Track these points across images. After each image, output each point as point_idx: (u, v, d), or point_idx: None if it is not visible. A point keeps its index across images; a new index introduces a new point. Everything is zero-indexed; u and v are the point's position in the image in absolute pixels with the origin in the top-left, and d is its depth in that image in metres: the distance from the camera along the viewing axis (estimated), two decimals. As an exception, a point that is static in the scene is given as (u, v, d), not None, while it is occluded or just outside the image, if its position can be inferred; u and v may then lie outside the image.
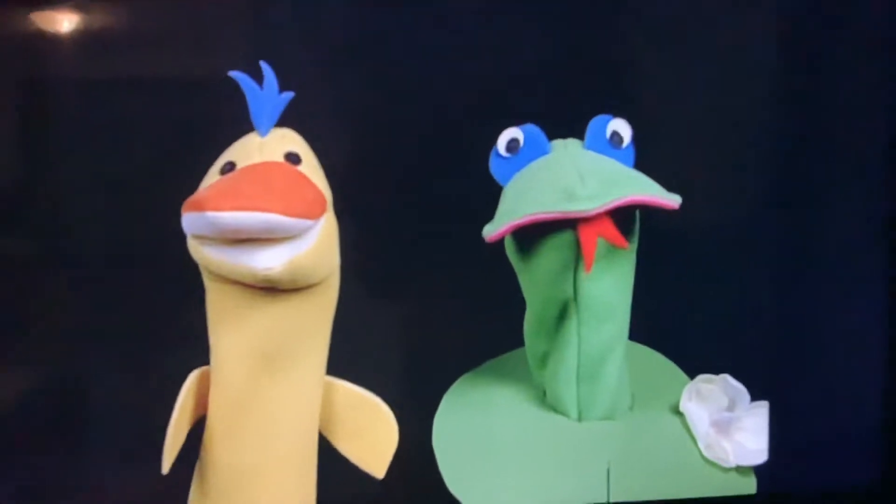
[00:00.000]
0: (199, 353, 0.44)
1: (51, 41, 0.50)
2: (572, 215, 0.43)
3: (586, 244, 0.43)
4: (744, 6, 0.56)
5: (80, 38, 0.50)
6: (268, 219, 0.38)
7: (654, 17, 0.55)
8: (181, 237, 0.42)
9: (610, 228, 0.43)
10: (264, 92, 0.43)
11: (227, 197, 0.38)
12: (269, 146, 0.43)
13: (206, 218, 0.38)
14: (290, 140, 0.44)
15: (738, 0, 0.56)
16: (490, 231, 0.46)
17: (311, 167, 0.43)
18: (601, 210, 0.43)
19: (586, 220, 0.43)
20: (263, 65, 0.42)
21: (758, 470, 0.49)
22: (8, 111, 0.51)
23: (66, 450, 0.50)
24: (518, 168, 0.48)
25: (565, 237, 0.45)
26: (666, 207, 0.44)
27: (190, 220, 0.40)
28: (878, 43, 0.57)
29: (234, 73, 0.42)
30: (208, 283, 0.43)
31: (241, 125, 0.43)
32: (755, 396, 0.49)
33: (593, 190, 0.43)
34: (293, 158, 0.43)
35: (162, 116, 0.49)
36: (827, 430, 0.55)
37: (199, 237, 0.41)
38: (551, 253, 0.46)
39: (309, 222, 0.40)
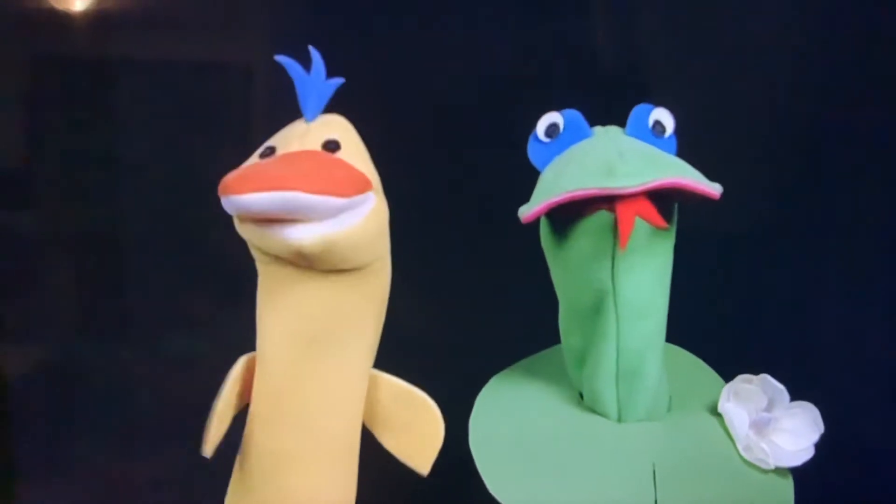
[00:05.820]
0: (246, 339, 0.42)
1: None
2: (611, 191, 0.41)
3: (623, 220, 0.41)
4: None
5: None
6: (287, 196, 0.37)
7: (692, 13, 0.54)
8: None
9: (649, 208, 0.41)
10: (311, 77, 0.42)
11: (247, 180, 0.37)
12: (311, 134, 0.42)
13: (230, 201, 0.38)
14: (333, 127, 0.43)
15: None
16: (526, 210, 0.44)
17: (351, 153, 0.42)
18: (641, 188, 0.41)
19: (625, 198, 0.41)
20: (312, 50, 0.42)
21: (798, 477, 0.48)
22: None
23: (107, 430, 0.48)
24: (557, 153, 0.47)
25: (603, 220, 0.43)
26: (708, 195, 0.42)
27: (223, 203, 0.39)
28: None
29: (280, 58, 0.41)
30: (259, 266, 0.43)
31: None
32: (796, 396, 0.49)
33: (634, 168, 0.41)
34: (331, 146, 0.42)
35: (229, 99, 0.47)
36: (872, 437, 0.54)
37: (238, 217, 0.41)
38: (588, 237, 0.44)
39: (338, 200, 0.39)
